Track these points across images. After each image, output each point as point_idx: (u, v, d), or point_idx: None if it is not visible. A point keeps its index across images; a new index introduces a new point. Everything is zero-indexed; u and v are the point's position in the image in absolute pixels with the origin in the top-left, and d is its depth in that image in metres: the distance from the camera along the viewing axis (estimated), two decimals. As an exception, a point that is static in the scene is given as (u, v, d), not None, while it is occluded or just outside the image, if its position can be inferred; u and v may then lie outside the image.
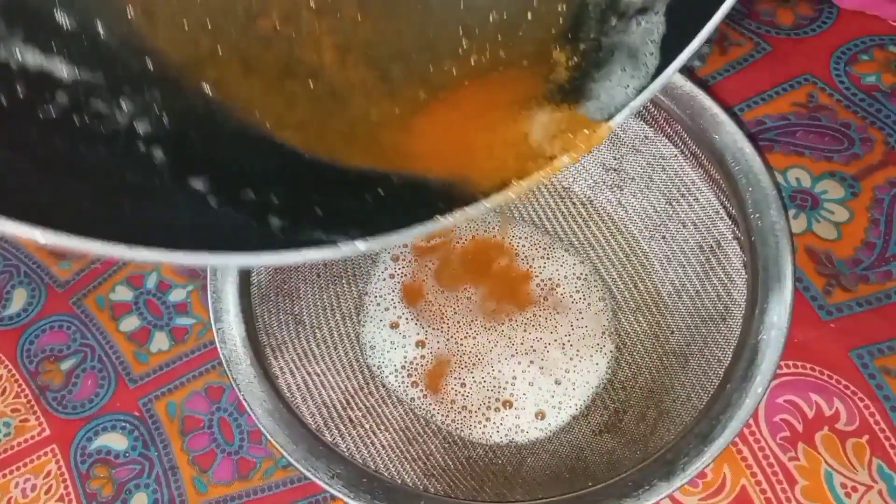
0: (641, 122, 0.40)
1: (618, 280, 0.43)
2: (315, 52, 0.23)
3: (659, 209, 0.41)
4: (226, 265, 0.20)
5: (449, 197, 0.22)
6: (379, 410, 0.39)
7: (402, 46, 0.24)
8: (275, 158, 0.23)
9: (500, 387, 0.41)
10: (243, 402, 0.33)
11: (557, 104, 0.23)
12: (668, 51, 0.23)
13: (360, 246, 0.21)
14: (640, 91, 0.23)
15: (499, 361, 0.42)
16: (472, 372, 0.41)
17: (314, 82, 0.23)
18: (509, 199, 0.23)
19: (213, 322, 0.35)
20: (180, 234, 0.19)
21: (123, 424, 0.45)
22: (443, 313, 0.43)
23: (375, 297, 0.44)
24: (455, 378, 0.41)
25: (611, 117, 0.23)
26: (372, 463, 0.34)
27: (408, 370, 0.42)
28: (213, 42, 0.22)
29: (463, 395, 0.41)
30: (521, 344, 0.42)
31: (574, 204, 0.45)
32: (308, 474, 0.32)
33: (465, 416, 0.40)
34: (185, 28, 0.22)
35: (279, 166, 0.23)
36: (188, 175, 0.20)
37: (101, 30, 0.21)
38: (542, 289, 0.43)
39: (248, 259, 0.20)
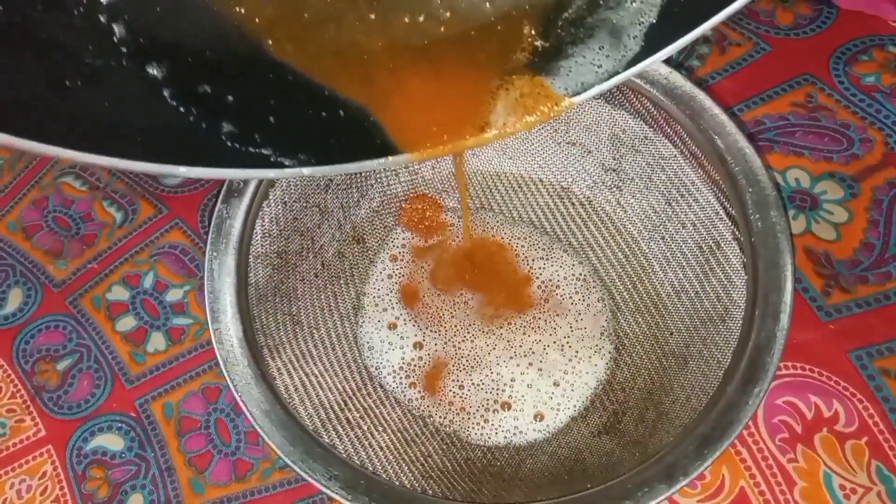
0: (641, 122, 0.40)
1: (617, 281, 0.43)
2: None
3: (658, 210, 0.41)
4: (170, 173, 0.19)
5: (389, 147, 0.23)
6: (377, 411, 0.39)
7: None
8: (240, 54, 0.22)
9: (498, 389, 0.41)
10: (240, 403, 0.33)
11: (529, 72, 0.23)
12: (654, 40, 0.23)
13: (305, 171, 0.21)
14: (611, 75, 0.23)
15: (497, 364, 0.41)
16: (470, 374, 0.41)
17: None
18: (462, 149, 0.23)
19: (209, 322, 0.34)
20: (128, 133, 0.19)
21: (119, 425, 0.44)
22: (440, 316, 0.43)
23: (373, 297, 0.44)
24: (453, 380, 0.41)
25: (575, 94, 0.23)
26: (370, 464, 0.34)
27: (406, 371, 0.42)
28: None
29: (461, 397, 0.41)
30: (520, 346, 0.42)
31: (573, 204, 0.45)
32: (305, 476, 0.32)
33: (463, 418, 0.40)
34: None
35: (243, 63, 0.22)
36: (147, 59, 0.20)
37: None
38: (543, 290, 0.43)
39: (193, 171, 0.19)
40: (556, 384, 0.41)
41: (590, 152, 0.43)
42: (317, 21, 0.23)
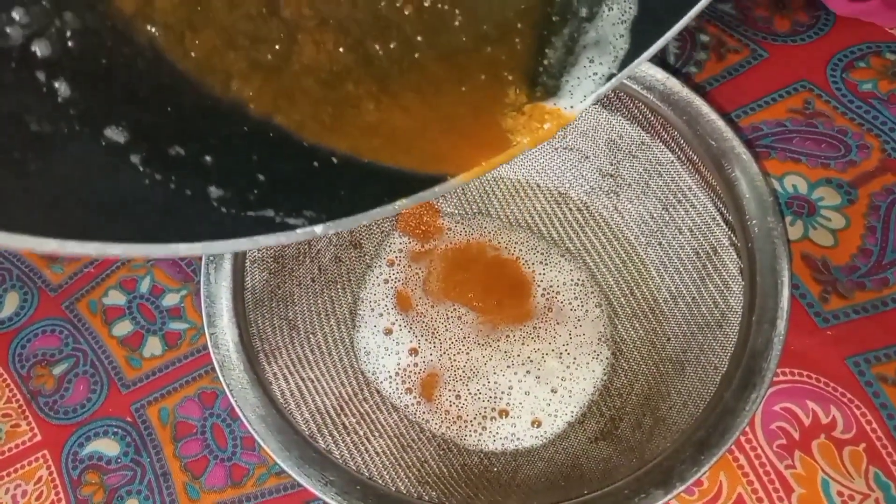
0: (638, 127, 0.40)
1: (614, 286, 0.43)
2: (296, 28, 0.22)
3: (655, 215, 0.41)
4: (168, 255, 0.17)
5: (405, 181, 0.22)
6: (373, 417, 0.39)
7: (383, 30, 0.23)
8: (213, 115, 0.20)
9: (495, 397, 0.41)
10: (236, 408, 0.33)
11: (528, 96, 0.23)
12: (640, 36, 0.23)
13: (318, 230, 0.20)
14: (608, 78, 0.23)
15: (494, 373, 0.41)
16: (466, 385, 0.41)
17: (285, 47, 0.21)
18: (473, 177, 0.23)
19: (205, 327, 0.34)
20: (109, 210, 0.16)
21: (115, 430, 0.44)
22: (435, 327, 0.43)
23: (370, 302, 0.44)
24: (449, 390, 0.41)
25: (576, 105, 0.23)
26: (366, 470, 0.34)
27: (402, 377, 0.42)
28: None
29: (458, 405, 0.41)
30: (518, 355, 0.42)
31: (571, 209, 0.45)
32: (301, 481, 0.31)
33: (460, 426, 0.40)
34: None
35: (217, 125, 0.20)
36: (103, 122, 0.17)
37: None
38: (545, 298, 0.43)
39: (194, 248, 0.17)
40: (553, 391, 0.41)
41: (587, 158, 0.43)
42: (296, 76, 0.22)
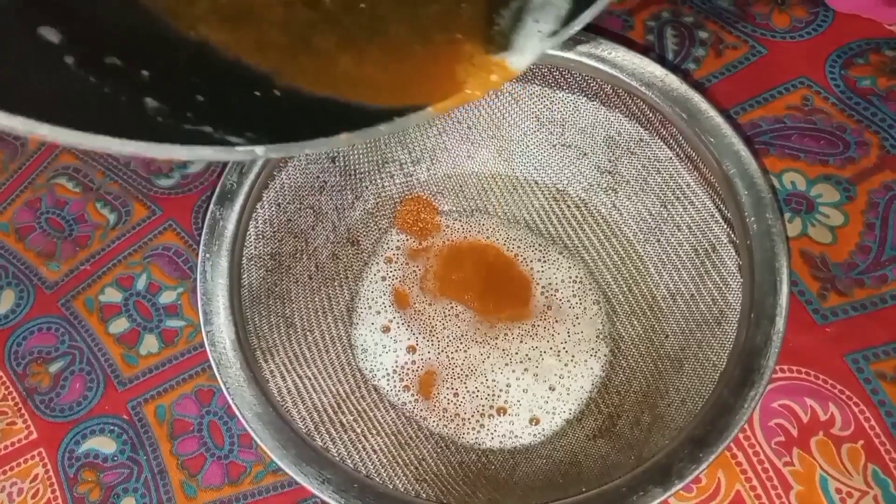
0: (636, 124, 0.39)
1: (612, 284, 0.43)
2: None
3: (654, 212, 0.41)
4: (88, 146, 0.17)
5: (353, 120, 0.22)
6: (370, 414, 0.39)
7: None
8: (155, 33, 0.20)
9: (493, 394, 0.41)
10: (233, 406, 0.33)
11: (480, 50, 0.25)
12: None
13: (259, 151, 0.20)
14: (551, 35, 0.25)
15: (492, 371, 0.41)
16: (464, 382, 0.41)
17: None
18: (422, 119, 0.24)
19: (202, 324, 0.34)
20: (37, 98, 0.16)
21: (112, 428, 0.44)
22: (433, 325, 0.43)
23: (367, 299, 0.44)
24: (447, 388, 0.41)
25: (522, 60, 0.25)
26: (363, 467, 0.34)
27: (399, 374, 0.42)
28: None
29: (455, 403, 0.41)
30: (516, 353, 0.42)
31: (568, 206, 0.45)
32: (298, 479, 0.31)
33: (458, 424, 0.40)
34: None
35: (158, 40, 0.20)
36: (37, 22, 0.18)
37: None
38: (544, 296, 0.43)
39: (115, 144, 0.17)
40: (551, 388, 0.41)
41: (585, 154, 0.43)
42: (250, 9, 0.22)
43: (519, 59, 0.25)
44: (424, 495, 0.33)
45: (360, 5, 0.24)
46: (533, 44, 0.25)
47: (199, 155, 0.19)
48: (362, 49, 0.24)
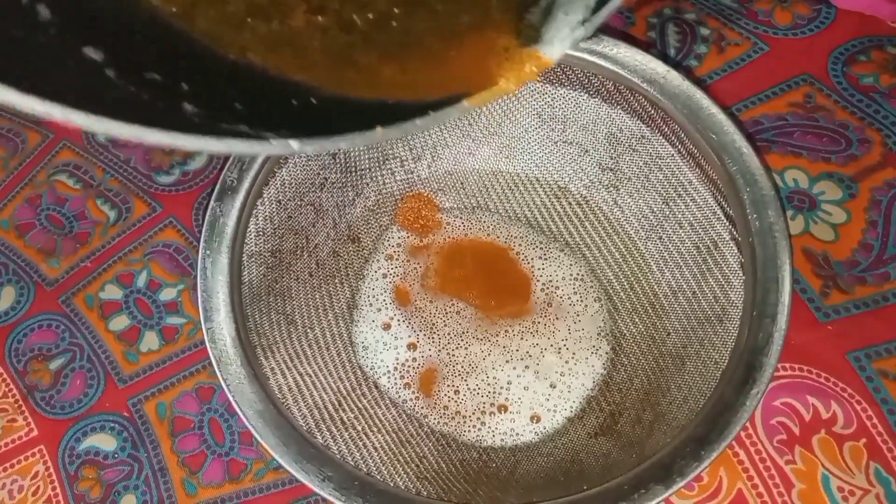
0: (638, 121, 0.39)
1: (614, 281, 0.43)
2: None
3: (656, 209, 0.41)
4: (121, 135, 0.18)
5: (387, 115, 0.22)
6: (371, 412, 0.39)
7: None
8: (183, 47, 0.21)
9: (494, 392, 0.41)
10: (233, 403, 0.33)
11: (514, 44, 0.25)
12: None
13: (294, 144, 0.20)
14: (581, 24, 0.25)
15: (493, 368, 0.41)
16: (465, 380, 0.41)
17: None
18: (458, 113, 0.24)
19: (202, 321, 0.34)
20: (74, 94, 0.17)
21: (112, 425, 0.44)
22: (434, 322, 0.43)
23: (368, 297, 0.44)
24: (448, 385, 0.41)
25: (555, 50, 0.25)
26: (364, 465, 0.33)
27: (400, 372, 0.41)
28: None
29: (456, 401, 0.40)
30: (517, 351, 0.42)
31: (570, 203, 0.45)
32: (299, 476, 0.31)
33: (458, 422, 0.40)
34: None
35: (187, 55, 0.21)
36: (81, 43, 0.18)
37: None
38: (545, 293, 0.43)
39: (149, 135, 0.18)
40: (552, 386, 0.41)
41: (587, 151, 0.43)
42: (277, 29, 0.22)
43: (551, 49, 0.25)
44: (425, 493, 0.33)
45: (392, 23, 0.24)
46: (564, 34, 0.25)
47: (235, 149, 0.19)
48: (400, 60, 0.24)
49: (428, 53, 0.24)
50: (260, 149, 0.20)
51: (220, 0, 0.22)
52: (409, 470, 0.35)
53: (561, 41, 0.25)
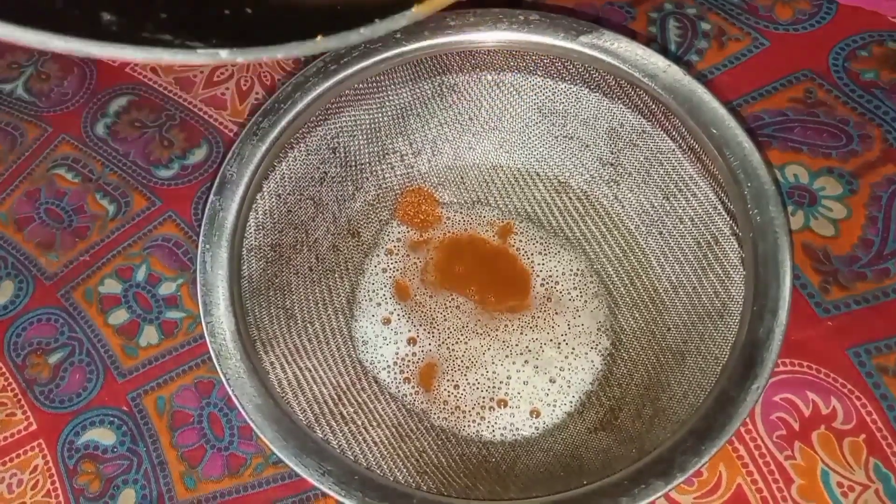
0: (639, 116, 0.39)
1: (614, 276, 0.43)
2: None
3: (656, 204, 0.41)
4: (33, 43, 0.17)
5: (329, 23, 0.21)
6: (371, 406, 0.39)
7: None
8: None
9: (494, 387, 0.41)
10: (233, 397, 0.32)
11: None
12: None
13: (223, 54, 0.19)
14: None
15: (493, 363, 0.41)
16: (465, 374, 0.41)
17: None
18: (407, 20, 0.22)
19: (202, 315, 0.34)
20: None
21: (111, 419, 0.44)
22: (433, 317, 0.43)
23: (368, 291, 0.44)
24: (448, 380, 0.41)
25: None
26: (364, 460, 0.33)
27: (400, 367, 0.41)
28: None
29: (456, 396, 0.40)
30: (516, 345, 0.42)
31: (570, 198, 0.45)
32: (299, 471, 0.31)
33: (458, 416, 0.40)
34: None
35: None
36: None
37: None
38: (544, 287, 0.43)
39: (71, 44, 0.16)
40: (552, 381, 0.41)
41: (587, 146, 0.43)
42: None
43: None
44: (425, 487, 0.33)
45: None
46: None
47: (155, 57, 0.18)
48: None
49: None
50: (184, 57, 0.18)
51: None
52: (408, 464, 0.35)
53: None
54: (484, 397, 0.40)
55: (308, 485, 0.36)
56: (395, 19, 0.22)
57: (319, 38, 0.20)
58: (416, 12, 0.23)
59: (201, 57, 0.19)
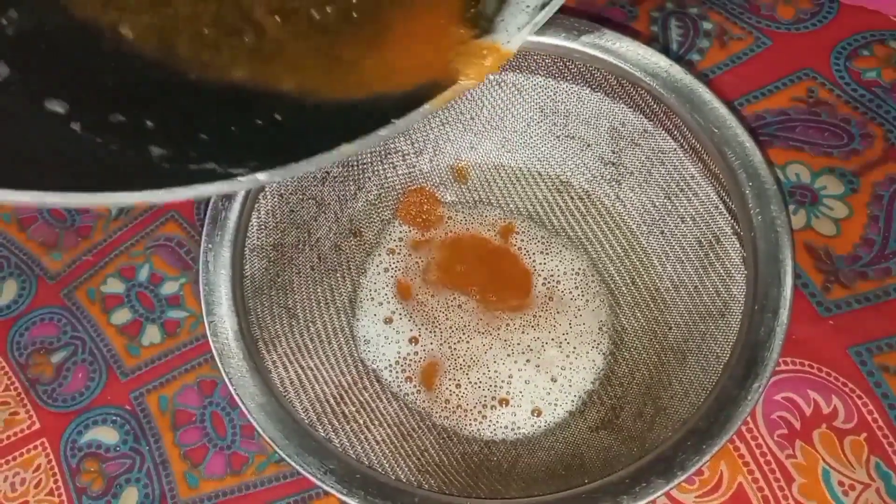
0: (640, 115, 0.39)
1: (615, 276, 0.43)
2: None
3: (658, 204, 0.41)
4: (106, 204, 0.18)
5: (351, 130, 0.22)
6: (373, 405, 0.39)
7: None
8: (146, 80, 0.21)
9: (495, 386, 0.41)
10: (235, 397, 0.33)
11: (469, 35, 0.25)
12: None
13: (262, 177, 0.20)
14: (540, 8, 0.24)
15: (494, 362, 0.41)
16: (466, 373, 0.41)
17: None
18: (421, 116, 0.23)
19: (204, 315, 0.34)
20: (47, 164, 0.17)
21: (114, 418, 0.44)
22: (435, 316, 0.43)
23: (370, 291, 0.44)
24: (450, 379, 0.41)
25: (513, 39, 0.24)
26: (365, 458, 0.34)
27: (402, 366, 0.42)
28: None
29: (458, 395, 0.41)
30: (518, 344, 0.42)
31: (572, 198, 0.45)
32: (301, 470, 0.31)
33: (460, 415, 0.40)
34: None
35: (151, 88, 0.21)
36: (43, 96, 0.18)
37: None
38: (546, 287, 0.43)
39: (125, 198, 0.17)
40: (553, 380, 0.41)
41: (589, 146, 0.43)
42: (222, 29, 0.22)
43: (509, 38, 0.24)
44: (427, 486, 0.33)
45: (352, 14, 0.24)
46: (522, 20, 0.24)
47: (204, 193, 0.19)
48: (354, 46, 0.24)
49: (384, 41, 0.24)
50: (230, 188, 0.19)
51: (193, 24, 0.21)
52: (410, 463, 0.35)
53: (519, 29, 0.24)
54: (485, 396, 0.40)
55: (310, 483, 0.36)
56: (410, 117, 0.23)
57: (344, 145, 0.21)
58: (429, 108, 0.24)
59: (243, 184, 0.20)
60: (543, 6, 0.24)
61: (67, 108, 0.18)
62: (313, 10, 0.23)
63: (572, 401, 0.40)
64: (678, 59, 0.48)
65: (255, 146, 0.21)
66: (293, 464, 0.31)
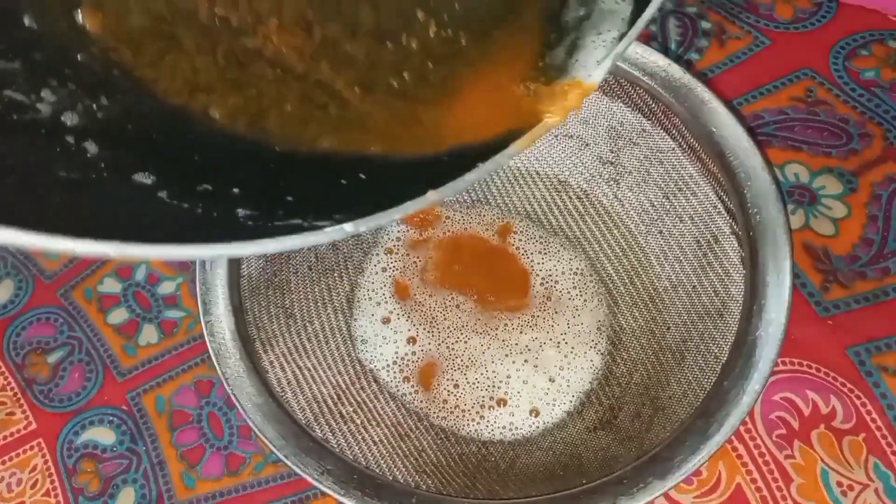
0: (639, 114, 0.39)
1: (614, 275, 0.43)
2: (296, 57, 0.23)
3: (656, 203, 0.41)
4: (191, 257, 0.19)
5: (435, 176, 0.22)
6: (371, 405, 0.39)
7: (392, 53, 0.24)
8: (233, 151, 0.21)
9: (493, 386, 0.41)
10: (232, 397, 0.32)
11: (546, 78, 0.24)
12: None
13: (348, 228, 0.20)
14: (619, 40, 0.24)
15: (492, 362, 0.41)
16: (464, 373, 0.41)
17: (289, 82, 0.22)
18: (507, 158, 0.23)
19: (201, 314, 0.34)
20: (131, 225, 0.17)
21: (111, 418, 0.44)
22: (433, 316, 0.43)
23: (368, 290, 0.44)
24: (448, 379, 0.41)
25: (594, 73, 0.24)
26: (363, 459, 0.33)
27: (399, 366, 0.41)
28: (153, 22, 0.21)
29: (456, 395, 0.40)
30: (516, 344, 0.41)
31: (570, 198, 0.45)
32: (298, 470, 0.31)
33: (458, 416, 0.40)
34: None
35: (237, 158, 0.21)
36: (131, 171, 0.19)
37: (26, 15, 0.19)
38: (544, 287, 0.43)
39: (217, 250, 0.18)
40: (551, 380, 0.41)
41: (587, 145, 0.43)
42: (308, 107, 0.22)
43: (590, 72, 0.24)
44: (424, 486, 0.33)
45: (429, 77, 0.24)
46: (600, 54, 0.24)
47: (289, 245, 0.19)
48: (438, 108, 0.24)
49: (460, 99, 0.24)
50: (315, 239, 0.19)
51: (276, 102, 0.22)
52: (408, 463, 0.35)
53: (598, 63, 0.24)
54: (483, 396, 0.40)
55: (307, 484, 0.36)
56: (497, 160, 0.23)
57: (430, 192, 0.21)
58: (514, 150, 0.23)
59: (328, 235, 0.20)
60: (622, 37, 0.23)
61: (155, 181, 0.19)
62: (391, 79, 0.23)
63: (570, 401, 0.40)
64: (677, 58, 0.48)
65: (339, 200, 0.21)
66: (290, 464, 0.31)
